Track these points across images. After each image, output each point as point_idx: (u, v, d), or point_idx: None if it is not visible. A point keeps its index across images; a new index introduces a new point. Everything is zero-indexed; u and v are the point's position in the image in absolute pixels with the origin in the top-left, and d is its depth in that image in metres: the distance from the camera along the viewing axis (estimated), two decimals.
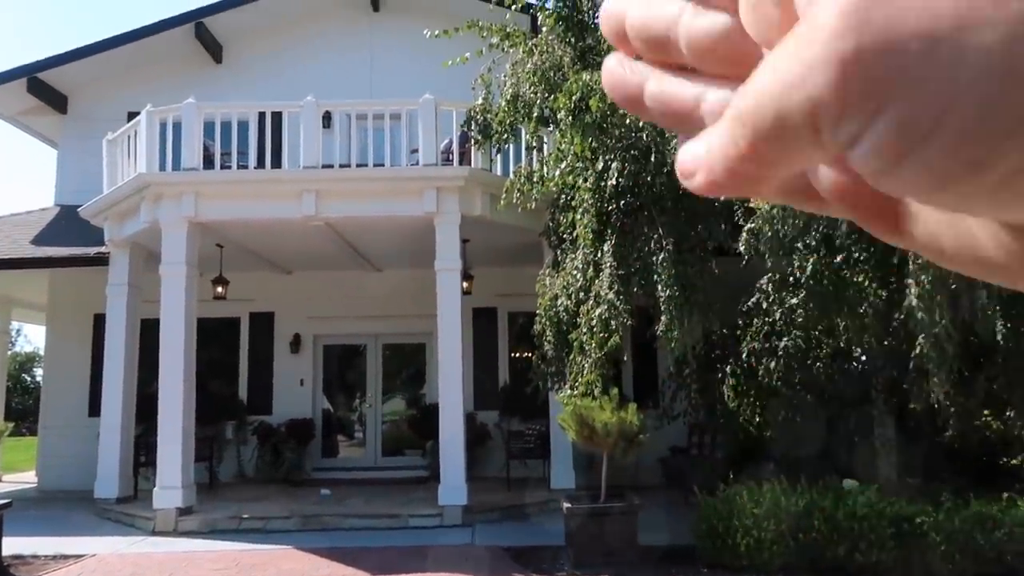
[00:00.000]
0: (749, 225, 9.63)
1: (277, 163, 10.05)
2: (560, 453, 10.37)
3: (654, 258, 7.04)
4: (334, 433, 13.35)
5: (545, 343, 7.81)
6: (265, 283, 13.03)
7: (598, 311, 7.06)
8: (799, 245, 8.61)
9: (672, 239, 7.18)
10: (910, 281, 6.07)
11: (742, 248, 9.49)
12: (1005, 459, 9.66)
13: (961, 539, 6.35)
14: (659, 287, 6.92)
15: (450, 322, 9.14)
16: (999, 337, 6.71)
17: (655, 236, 7.17)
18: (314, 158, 9.30)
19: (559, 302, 7.67)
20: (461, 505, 8.88)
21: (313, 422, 12.69)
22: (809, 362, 7.97)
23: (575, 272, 7.56)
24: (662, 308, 6.91)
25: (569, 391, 7.26)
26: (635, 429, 6.84)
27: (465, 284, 11.27)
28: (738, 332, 8.87)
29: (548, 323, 7.74)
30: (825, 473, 8.44)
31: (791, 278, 8.91)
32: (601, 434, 6.81)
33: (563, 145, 7.60)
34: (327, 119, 10.93)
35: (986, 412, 8.75)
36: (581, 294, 7.44)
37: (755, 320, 8.64)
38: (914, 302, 6.00)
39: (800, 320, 8.25)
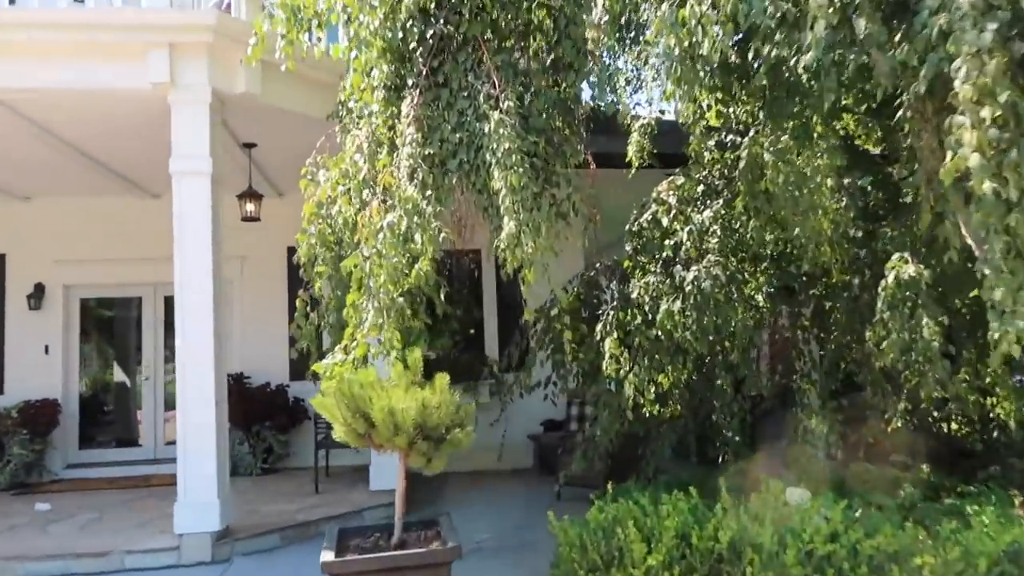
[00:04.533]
0: (642, 121, 6.88)
1: None
2: None
3: (484, 125, 4.04)
4: (98, 416, 9.89)
5: (315, 276, 4.74)
6: None
7: (389, 218, 4.03)
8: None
9: (515, 91, 4.20)
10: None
11: (632, 152, 6.75)
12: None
13: None
14: (495, 172, 3.93)
15: (194, 255, 5.93)
16: None
17: (486, 87, 4.17)
18: None
19: (336, 208, 4.59)
20: (211, 532, 5.78)
21: (59, 404, 9.20)
22: (731, 302, 5.25)
23: (357, 156, 4.48)
24: (501, 209, 3.94)
25: (343, 355, 4.24)
26: (443, 420, 3.89)
27: (251, 207, 8.05)
28: (627, 263, 6.10)
29: (318, 243, 4.66)
30: (746, 464, 5.83)
31: (702, 184, 6.17)
32: (383, 428, 3.83)
33: None
34: None
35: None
36: (366, 192, 4.38)
37: (651, 244, 5.87)
38: None
39: (717, 242, 5.52)
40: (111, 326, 10.19)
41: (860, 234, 5.44)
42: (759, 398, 6.32)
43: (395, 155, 4.25)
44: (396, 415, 3.83)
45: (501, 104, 4.08)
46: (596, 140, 7.82)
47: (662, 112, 7.52)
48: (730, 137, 6.34)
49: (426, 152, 4.18)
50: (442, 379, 4.03)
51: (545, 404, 7.64)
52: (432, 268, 3.94)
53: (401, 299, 3.98)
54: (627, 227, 5.98)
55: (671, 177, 6.23)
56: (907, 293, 4.55)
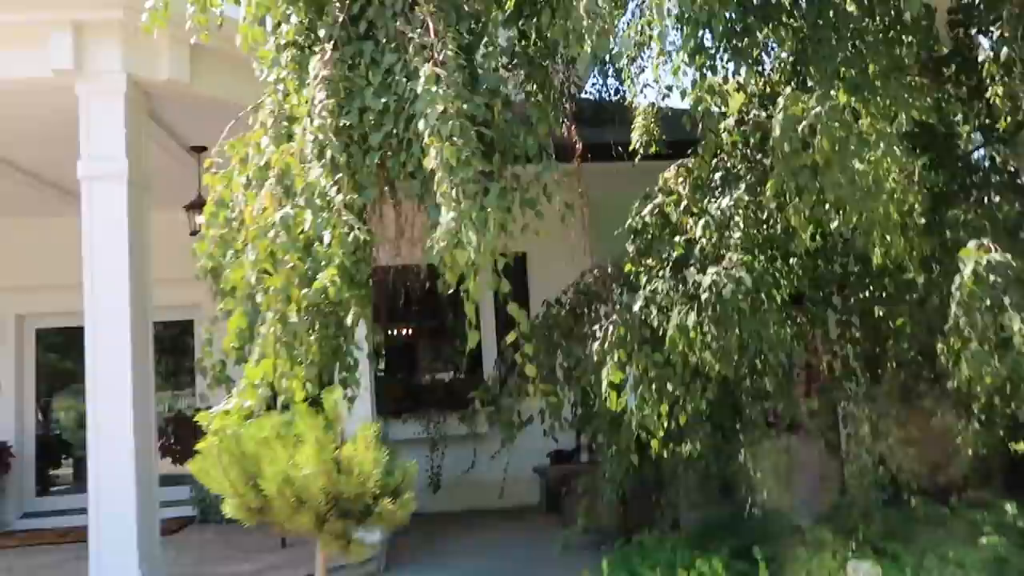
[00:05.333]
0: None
1: None
2: None
3: (415, 85, 2.98)
4: (60, 459, 8.97)
5: (218, 296, 3.71)
6: None
7: (281, 214, 2.98)
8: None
9: (458, 39, 3.14)
10: None
11: (636, 137, 5.76)
12: None
13: None
14: (430, 147, 2.87)
15: (107, 280, 4.90)
16: None
17: (414, 36, 3.11)
18: None
19: (237, 211, 3.53)
20: None
21: (10, 447, 8.26)
22: (759, 312, 4.11)
23: (264, 139, 3.43)
24: (437, 195, 2.87)
25: (237, 398, 3.18)
26: (368, 487, 2.81)
27: (201, 219, 7.03)
28: (629, 267, 4.99)
29: (219, 254, 3.60)
30: (785, 513, 4.73)
31: (719, 171, 5.06)
32: (281, 502, 2.76)
33: None
34: None
35: None
36: (270, 181, 3.33)
37: (656, 242, 4.78)
38: None
39: (741, 236, 4.42)
40: (70, 359, 9.27)
41: (922, 221, 4.32)
42: (796, 428, 5.15)
43: (302, 129, 3.20)
44: (296, 484, 2.76)
45: (436, 55, 3.02)
46: (600, 132, 6.81)
47: (670, 88, 6.47)
48: (753, 112, 5.28)
49: (342, 123, 3.12)
50: (366, 430, 2.95)
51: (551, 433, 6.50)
52: (343, 279, 2.86)
53: (295, 319, 2.91)
54: (627, 222, 4.88)
55: (681, 161, 5.15)
56: (993, 279, 3.45)
